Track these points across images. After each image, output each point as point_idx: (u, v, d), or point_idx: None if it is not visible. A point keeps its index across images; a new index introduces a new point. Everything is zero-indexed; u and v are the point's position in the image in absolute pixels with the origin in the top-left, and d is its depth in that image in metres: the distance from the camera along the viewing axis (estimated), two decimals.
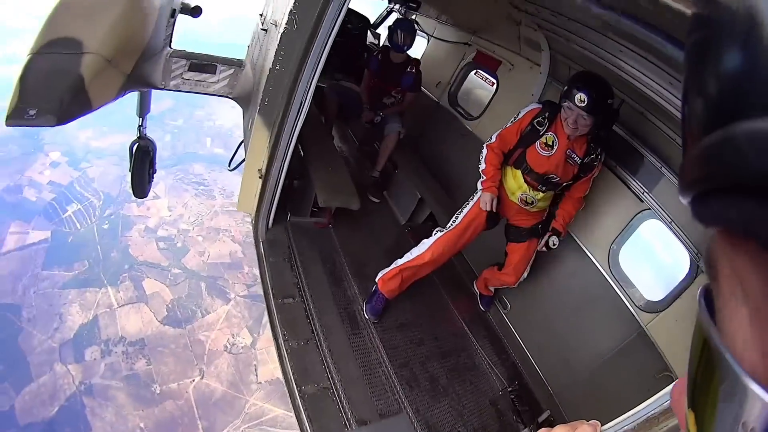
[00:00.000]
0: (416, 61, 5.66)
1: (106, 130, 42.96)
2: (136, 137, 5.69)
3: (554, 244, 3.64)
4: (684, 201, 0.33)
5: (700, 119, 0.31)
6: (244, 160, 4.90)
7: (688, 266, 3.42)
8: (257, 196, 3.87)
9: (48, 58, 3.39)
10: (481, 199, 3.55)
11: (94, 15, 3.64)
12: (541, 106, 3.47)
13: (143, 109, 5.62)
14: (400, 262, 3.74)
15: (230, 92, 5.08)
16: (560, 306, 4.17)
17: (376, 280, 3.79)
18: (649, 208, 3.67)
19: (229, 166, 5.56)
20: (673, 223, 3.50)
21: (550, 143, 3.40)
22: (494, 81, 5.56)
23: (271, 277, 3.86)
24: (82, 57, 3.43)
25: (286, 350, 3.36)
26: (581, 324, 4.00)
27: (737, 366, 0.28)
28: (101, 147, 41.08)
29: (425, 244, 3.72)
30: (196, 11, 5.09)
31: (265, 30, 5.03)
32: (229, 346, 25.39)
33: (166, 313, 25.64)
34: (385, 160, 5.49)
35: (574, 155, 3.40)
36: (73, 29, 3.49)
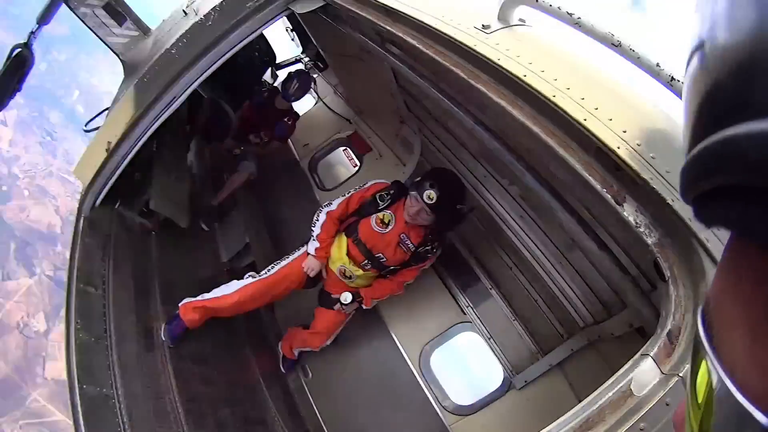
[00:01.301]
0: (296, 115, 5.79)
1: None
2: (22, 43, 5.18)
3: (346, 300, 3.55)
4: (685, 202, 0.33)
5: (700, 120, 0.31)
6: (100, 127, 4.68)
7: (501, 381, 3.71)
8: (96, 168, 3.63)
9: None
10: (308, 263, 3.54)
11: None
12: (389, 183, 3.57)
13: (44, 18, 5.00)
14: (206, 296, 3.60)
15: (123, 53, 4.91)
16: (364, 389, 4.20)
17: (180, 305, 3.60)
18: (471, 321, 3.93)
19: (86, 126, 5.15)
20: (491, 340, 3.78)
21: (387, 221, 3.43)
22: (358, 164, 5.82)
23: (80, 257, 3.59)
24: None
25: (76, 340, 3.11)
26: (383, 411, 4.04)
27: (737, 390, 0.29)
28: None
29: (234, 285, 3.63)
30: None
31: (186, 13, 4.76)
32: (21, 325, 22.64)
33: None
34: (228, 194, 5.41)
35: (408, 241, 3.43)
36: None
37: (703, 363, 0.34)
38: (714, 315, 0.35)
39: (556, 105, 1.34)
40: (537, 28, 1.73)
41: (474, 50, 1.63)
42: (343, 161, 6.38)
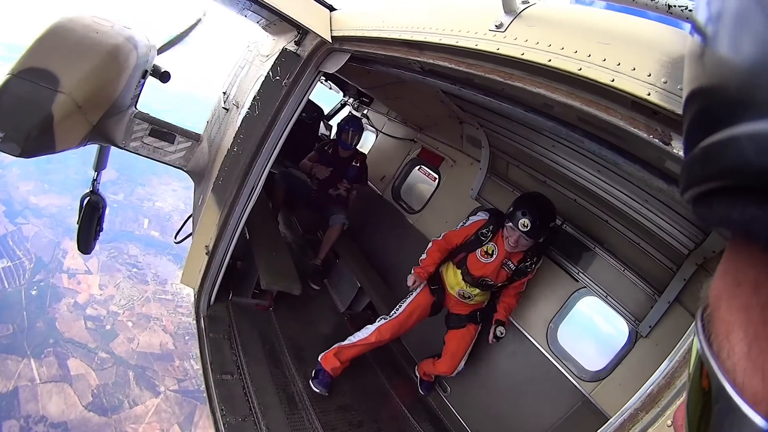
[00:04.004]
0: (362, 156, 6.06)
1: (47, 188, 42.57)
2: (88, 191, 5.74)
3: (501, 333, 3.87)
4: (685, 201, 0.34)
5: (701, 120, 0.32)
6: (191, 234, 5.03)
7: (627, 334, 3.77)
8: (202, 272, 3.98)
9: (25, 84, 3.47)
10: (410, 277, 3.95)
11: (76, 56, 3.76)
12: (487, 217, 3.87)
13: (100, 165, 5.69)
14: (344, 343, 3.98)
15: (185, 165, 5.20)
16: (501, 385, 4.38)
17: (319, 359, 3.94)
18: (585, 286, 4.05)
19: (175, 238, 5.64)
20: (608, 297, 3.88)
21: (490, 252, 3.80)
22: (436, 176, 5.99)
23: (211, 352, 3.91)
24: (56, 95, 3.50)
25: (224, 425, 3.39)
26: (523, 400, 4.20)
27: (737, 395, 0.29)
28: (40, 205, 40.10)
29: (369, 328, 4.03)
30: (164, 76, 5.28)
31: (227, 109, 5.25)
32: None
33: (92, 399, 24.15)
34: (327, 249, 5.68)
35: (510, 263, 3.80)
36: (54, 63, 3.58)
37: (703, 366, 0.35)
38: (713, 319, 0.36)
39: (585, 77, 1.44)
40: (541, 1, 1.81)
41: (499, 54, 1.76)
42: (422, 179, 6.59)
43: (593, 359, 3.99)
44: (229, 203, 3.64)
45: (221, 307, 4.35)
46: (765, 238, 0.26)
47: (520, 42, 1.68)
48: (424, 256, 3.98)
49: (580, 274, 4.11)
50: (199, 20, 6.03)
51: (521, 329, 4.37)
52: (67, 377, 24.77)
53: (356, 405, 4.13)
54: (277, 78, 3.43)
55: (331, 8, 3.55)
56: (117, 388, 25.07)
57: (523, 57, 1.64)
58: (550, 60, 1.54)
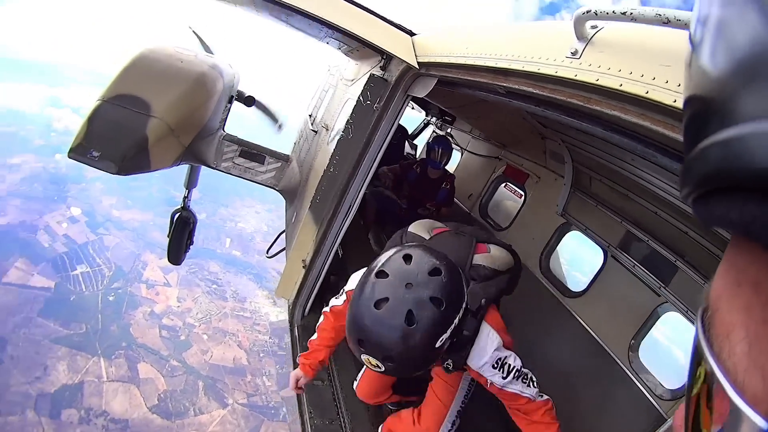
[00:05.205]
0: (452, 178, 6.26)
1: (130, 204, 45.73)
2: (179, 207, 6.40)
3: None
4: (685, 202, 0.35)
5: (701, 121, 0.33)
6: (283, 249, 5.43)
7: None
8: (298, 284, 4.30)
9: (116, 109, 3.83)
10: (292, 375, 3.39)
11: (165, 84, 4.14)
12: None
13: (191, 183, 6.33)
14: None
15: (276, 184, 5.59)
16: (583, 405, 4.31)
17: None
18: (667, 301, 3.99)
19: (267, 253, 6.04)
20: (688, 312, 3.80)
21: None
22: (522, 193, 6.08)
23: None
24: (149, 120, 3.87)
25: (311, 427, 3.64)
26: (604, 417, 4.15)
27: (737, 395, 0.30)
28: (122, 219, 42.94)
29: None
30: (249, 101, 5.82)
31: (315, 131, 5.57)
32: None
33: (157, 402, 25.41)
34: None
35: None
36: (143, 90, 3.95)
37: (704, 367, 0.35)
38: (714, 319, 0.36)
39: (651, 100, 1.54)
40: (607, 25, 1.90)
41: (576, 80, 1.90)
42: (509, 196, 6.69)
43: (671, 376, 3.92)
44: (327, 220, 3.91)
45: (315, 318, 4.52)
46: (765, 238, 0.27)
47: (594, 68, 1.84)
48: (314, 336, 3.32)
49: (661, 288, 4.03)
50: (279, 126, 6.52)
51: (603, 344, 4.34)
52: (135, 379, 26.10)
53: None
54: (368, 102, 3.67)
55: (411, 33, 3.77)
56: (185, 396, 26.17)
57: (598, 83, 1.79)
58: (621, 85, 1.67)
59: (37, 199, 43.90)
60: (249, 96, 5.91)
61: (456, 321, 2.08)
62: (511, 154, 6.39)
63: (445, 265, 2.11)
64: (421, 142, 9.08)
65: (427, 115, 8.20)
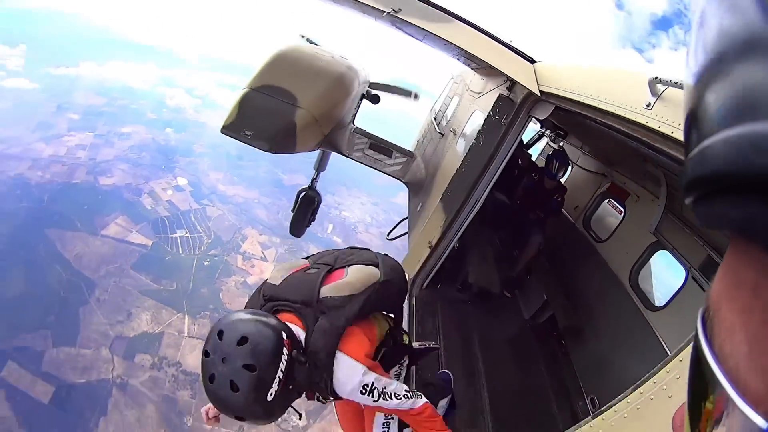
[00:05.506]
0: (564, 190, 6.73)
1: (236, 180, 48.59)
2: (306, 186, 7.23)
3: None
4: (685, 202, 0.36)
5: (702, 121, 0.33)
6: (406, 233, 6.21)
7: None
8: (421, 262, 5.01)
9: (265, 98, 4.29)
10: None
11: (310, 79, 4.60)
12: None
13: (321, 167, 7.15)
14: None
15: (402, 176, 6.28)
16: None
17: None
18: None
19: (388, 236, 6.83)
20: None
21: None
22: (622, 210, 6.45)
23: (416, 323, 4.90)
24: (297, 110, 4.33)
25: (415, 381, 4.12)
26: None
27: (738, 395, 0.31)
28: (227, 194, 45.61)
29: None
30: (375, 99, 6.32)
31: (442, 134, 6.22)
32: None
33: None
34: (523, 264, 6.41)
35: None
36: (289, 83, 4.39)
37: (704, 367, 0.35)
38: (714, 320, 0.37)
39: None
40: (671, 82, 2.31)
41: (648, 126, 2.38)
42: (610, 212, 7.00)
43: None
44: (455, 210, 4.56)
45: (430, 292, 5.34)
46: (765, 238, 0.27)
47: (663, 120, 2.32)
48: None
49: None
50: (415, 95, 6.86)
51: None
52: None
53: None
54: (496, 117, 4.29)
55: (532, 60, 4.28)
56: None
57: (673, 135, 2.25)
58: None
59: (145, 165, 47.79)
60: (375, 95, 6.33)
61: (280, 374, 2.25)
62: (615, 172, 6.74)
63: (253, 332, 2.27)
64: (534, 150, 9.40)
65: (541, 128, 8.55)
